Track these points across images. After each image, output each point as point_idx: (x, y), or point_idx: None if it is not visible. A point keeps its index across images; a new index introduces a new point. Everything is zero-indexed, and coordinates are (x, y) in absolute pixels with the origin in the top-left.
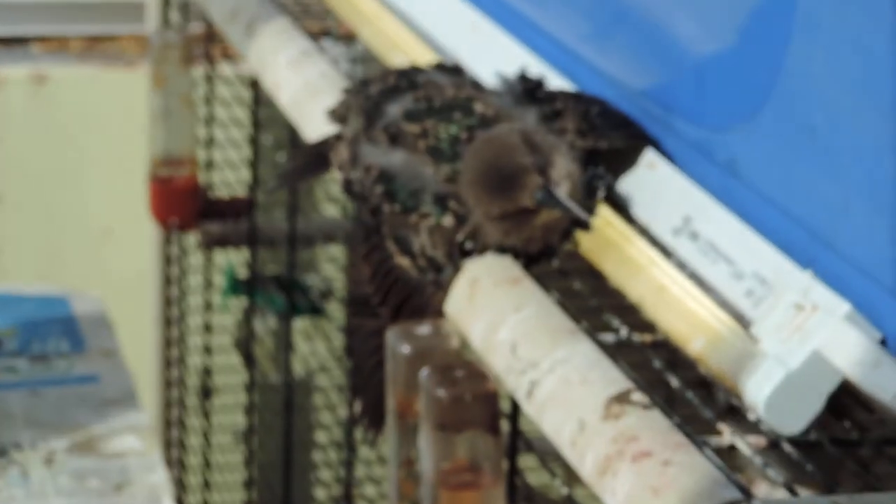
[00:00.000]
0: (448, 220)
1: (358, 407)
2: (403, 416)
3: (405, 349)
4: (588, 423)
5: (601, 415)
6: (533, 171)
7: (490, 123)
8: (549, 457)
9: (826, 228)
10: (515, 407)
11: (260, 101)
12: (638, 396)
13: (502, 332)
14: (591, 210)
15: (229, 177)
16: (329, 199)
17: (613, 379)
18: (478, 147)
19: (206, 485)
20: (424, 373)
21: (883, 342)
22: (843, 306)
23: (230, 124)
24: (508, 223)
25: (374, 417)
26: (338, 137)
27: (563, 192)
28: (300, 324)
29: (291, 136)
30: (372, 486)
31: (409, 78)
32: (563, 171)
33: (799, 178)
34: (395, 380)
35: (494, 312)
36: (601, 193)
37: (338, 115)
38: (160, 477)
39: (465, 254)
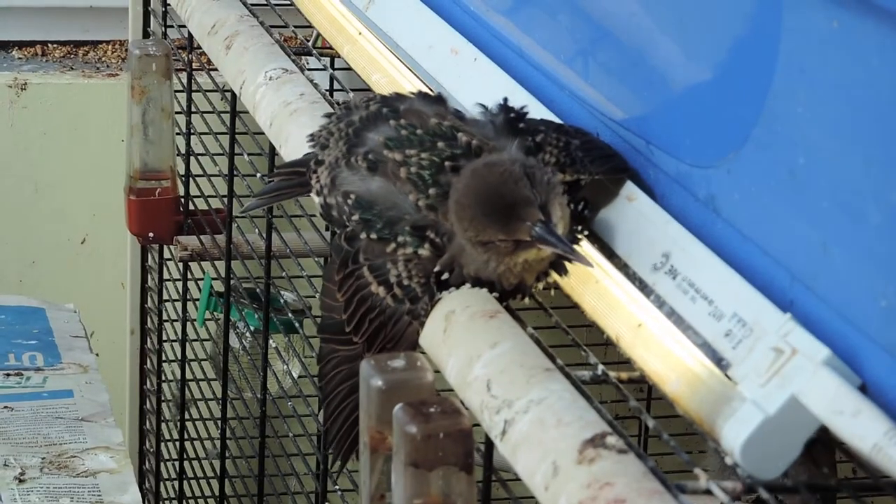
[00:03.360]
0: (425, 251)
1: (328, 434)
2: (376, 450)
3: (378, 382)
4: (562, 467)
5: (575, 458)
6: (536, 204)
7: (475, 154)
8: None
9: (806, 270)
10: (490, 444)
11: (238, 114)
12: (613, 440)
13: (477, 367)
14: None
15: (207, 189)
16: (306, 215)
17: (589, 421)
18: (480, 170)
19: (181, 496)
20: (398, 408)
21: (863, 389)
22: (823, 351)
23: (209, 135)
24: (490, 253)
25: (343, 446)
26: (318, 162)
27: (559, 232)
28: (275, 341)
29: (270, 150)
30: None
31: (391, 105)
32: (560, 213)
33: (779, 218)
34: (368, 413)
35: (470, 347)
36: (584, 232)
37: (319, 140)
38: (132, 497)
39: (442, 285)
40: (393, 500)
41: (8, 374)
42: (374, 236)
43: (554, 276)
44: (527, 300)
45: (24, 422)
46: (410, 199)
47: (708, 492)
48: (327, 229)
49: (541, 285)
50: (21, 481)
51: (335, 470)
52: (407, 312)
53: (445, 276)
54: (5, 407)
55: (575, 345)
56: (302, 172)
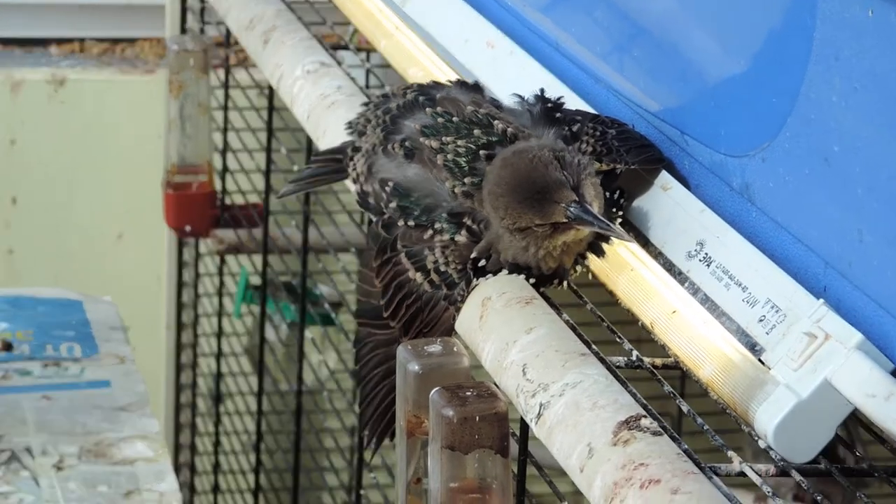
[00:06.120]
0: (462, 237)
1: (363, 416)
2: (412, 434)
3: (415, 367)
4: (597, 448)
5: (610, 440)
6: (568, 186)
7: (510, 141)
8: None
9: (840, 257)
10: (525, 428)
11: (275, 109)
12: (647, 422)
13: (513, 352)
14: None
15: (244, 184)
16: (343, 209)
17: (624, 404)
18: (510, 158)
19: (216, 489)
20: (434, 392)
21: (895, 373)
22: (856, 336)
23: (246, 130)
24: (528, 239)
25: (378, 428)
26: (355, 149)
27: (595, 210)
28: (311, 333)
29: (308, 143)
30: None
31: (428, 93)
32: (593, 192)
33: (813, 205)
34: (405, 397)
35: (506, 333)
36: (620, 215)
37: (356, 127)
38: (169, 485)
39: (479, 271)
40: (429, 483)
41: (46, 365)
42: (411, 223)
43: (591, 259)
44: (564, 285)
45: (62, 411)
46: (447, 187)
47: (741, 474)
48: (362, 222)
49: (579, 269)
50: (59, 469)
51: (369, 449)
52: (443, 298)
53: (482, 262)
54: (44, 396)
55: (610, 332)
56: (339, 159)
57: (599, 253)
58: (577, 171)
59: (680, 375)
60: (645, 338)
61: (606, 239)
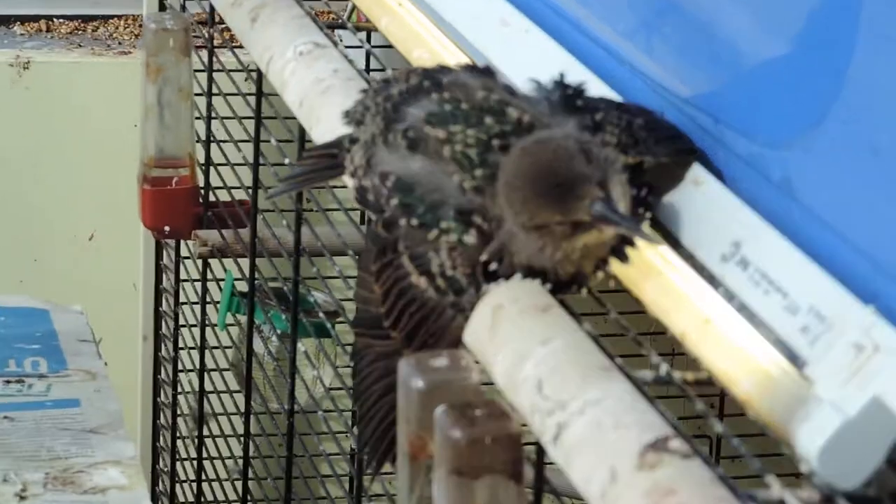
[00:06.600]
0: (471, 238)
1: (362, 437)
2: (415, 458)
3: (419, 383)
4: (620, 473)
5: (635, 464)
6: (593, 181)
7: (526, 131)
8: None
9: (892, 259)
10: (541, 451)
11: (264, 95)
12: (677, 444)
13: (528, 366)
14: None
15: (229, 178)
16: (340, 206)
17: (650, 423)
18: (530, 147)
19: None
20: (440, 411)
21: None
22: None
23: (232, 119)
24: (545, 239)
25: (378, 450)
26: (352, 140)
27: (622, 209)
28: (305, 345)
29: (300, 134)
30: None
31: (433, 78)
32: (620, 190)
33: (862, 202)
34: (407, 417)
35: (519, 344)
36: (647, 215)
37: (354, 116)
38: None
39: (489, 276)
40: None
41: (8, 382)
42: (414, 222)
43: (614, 264)
44: (583, 292)
45: (26, 433)
46: (455, 181)
47: (781, 502)
48: (362, 222)
49: (599, 275)
50: (23, 498)
51: (369, 472)
52: (450, 305)
53: (493, 265)
54: (5, 417)
55: (636, 344)
56: (335, 154)
57: (623, 258)
58: (603, 166)
59: (719, 393)
60: (674, 351)
61: (631, 242)
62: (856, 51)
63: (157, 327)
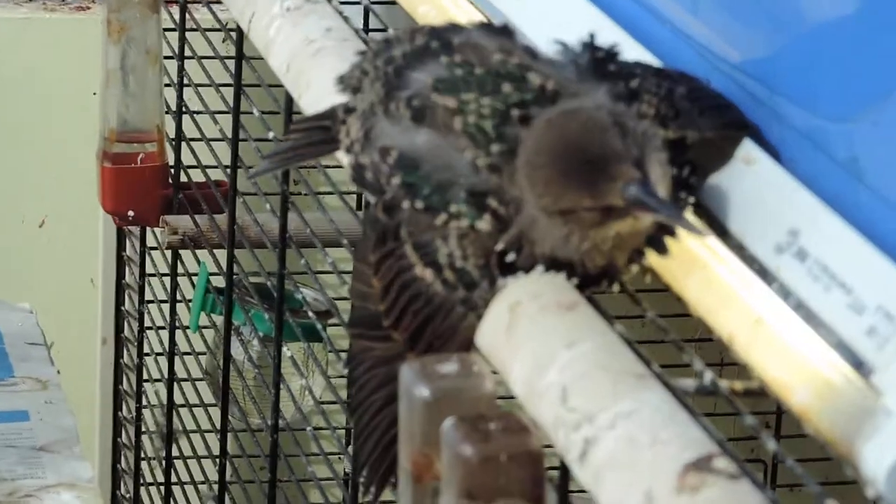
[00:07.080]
0: (485, 224)
1: (358, 457)
2: (420, 479)
3: (424, 392)
4: (657, 497)
5: (674, 486)
6: (629, 160)
7: (550, 100)
8: None
9: None
10: (566, 470)
11: (245, 58)
12: (722, 463)
13: (550, 373)
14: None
15: (204, 156)
16: (333, 188)
17: (692, 439)
18: (556, 119)
19: None
20: (448, 424)
21: None
22: None
23: (208, 86)
24: (571, 225)
25: (377, 471)
26: (347, 110)
27: (661, 193)
28: (291, 350)
29: (287, 104)
30: None
31: (442, 38)
32: (660, 171)
33: None
34: (411, 432)
35: (541, 347)
36: (690, 199)
37: (350, 82)
38: None
39: (506, 268)
40: None
41: None
42: (419, 205)
43: (651, 257)
44: (615, 287)
45: None
46: (467, 158)
47: None
48: (359, 207)
49: (634, 268)
50: None
51: (367, 500)
52: (461, 302)
53: (511, 256)
54: None
55: (676, 347)
56: (327, 127)
57: (661, 249)
58: (641, 142)
59: (775, 409)
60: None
61: (671, 231)
62: None
63: (119, 329)
